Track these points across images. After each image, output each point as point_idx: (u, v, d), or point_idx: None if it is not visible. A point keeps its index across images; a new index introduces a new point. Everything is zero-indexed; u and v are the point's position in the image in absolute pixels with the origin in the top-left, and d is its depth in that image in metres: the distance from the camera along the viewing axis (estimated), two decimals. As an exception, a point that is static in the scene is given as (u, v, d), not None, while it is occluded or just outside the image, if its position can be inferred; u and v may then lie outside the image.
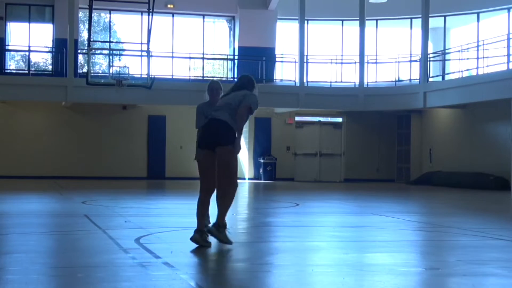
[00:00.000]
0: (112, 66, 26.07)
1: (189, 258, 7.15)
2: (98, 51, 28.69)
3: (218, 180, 7.70)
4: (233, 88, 8.27)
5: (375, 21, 29.71)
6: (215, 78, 29.62)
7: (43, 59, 30.08)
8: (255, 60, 28.02)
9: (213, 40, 30.10)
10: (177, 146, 27.63)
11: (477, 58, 24.70)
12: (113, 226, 9.75)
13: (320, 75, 29.20)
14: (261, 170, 27.94)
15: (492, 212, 14.37)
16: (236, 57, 28.93)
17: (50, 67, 28.19)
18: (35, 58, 29.96)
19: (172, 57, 28.16)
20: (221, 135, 7.82)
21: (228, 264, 6.87)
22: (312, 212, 13.80)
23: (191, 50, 28.63)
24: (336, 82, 28.55)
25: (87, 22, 24.69)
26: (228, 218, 11.56)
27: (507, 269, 6.61)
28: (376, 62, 28.81)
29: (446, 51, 27.48)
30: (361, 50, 27.35)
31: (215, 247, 8.29)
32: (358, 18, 27.30)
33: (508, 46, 23.79)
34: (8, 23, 27.59)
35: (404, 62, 28.72)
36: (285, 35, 30.49)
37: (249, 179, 28.21)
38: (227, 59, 29.20)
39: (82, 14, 28.65)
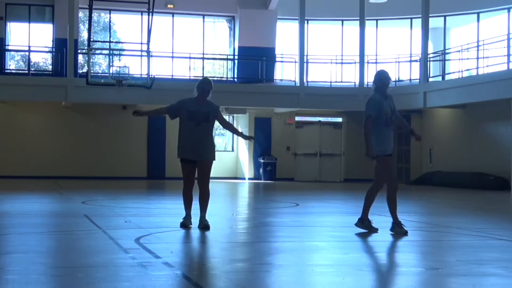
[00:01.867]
0: (112, 66, 26.09)
1: (189, 258, 7.15)
2: (98, 51, 28.70)
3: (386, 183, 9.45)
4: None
5: (375, 21, 29.72)
6: (214, 78, 29.65)
7: (43, 59, 30.09)
8: (255, 60, 28.04)
9: (213, 40, 30.10)
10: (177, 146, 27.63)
11: (477, 58, 24.70)
12: (113, 226, 9.75)
13: (320, 75, 29.21)
14: (261, 170, 27.94)
15: (492, 212, 14.37)
16: (236, 57, 28.94)
17: (50, 67, 28.19)
18: (35, 58, 29.97)
19: (172, 57, 28.16)
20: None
21: (228, 264, 6.87)
22: (312, 212, 13.80)
23: (191, 50, 28.63)
24: (336, 82, 28.55)
25: (87, 22, 24.71)
26: (228, 218, 11.58)
27: (507, 269, 6.61)
28: (376, 62, 28.79)
29: (446, 51, 27.47)
30: (361, 50, 27.35)
31: (214, 247, 8.29)
32: (358, 18, 27.29)
33: (508, 46, 23.78)
34: (8, 23, 27.59)
35: (404, 62, 28.72)
36: (285, 35, 30.49)
37: (249, 179, 28.21)
38: (227, 59, 29.21)
39: (82, 14, 28.65)
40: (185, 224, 9.44)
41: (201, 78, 10.04)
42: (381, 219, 11.95)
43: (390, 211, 9.27)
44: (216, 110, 9.58)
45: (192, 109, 9.55)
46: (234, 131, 10.14)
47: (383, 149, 9.26)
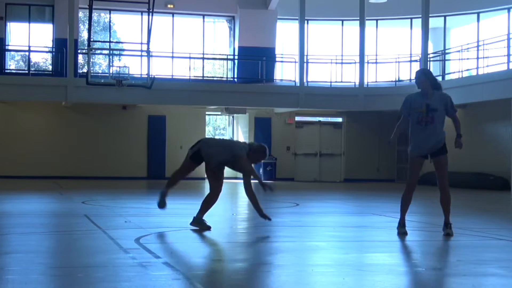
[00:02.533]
0: (112, 66, 26.09)
1: (189, 258, 7.14)
2: (98, 51, 28.70)
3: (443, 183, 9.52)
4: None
5: (375, 21, 29.72)
6: (214, 78, 29.63)
7: (43, 59, 30.10)
8: (255, 60, 28.03)
9: (213, 40, 30.10)
10: (177, 146, 27.64)
11: (477, 58, 24.71)
12: (113, 226, 9.75)
13: (320, 75, 29.22)
14: (261, 170, 27.95)
15: (492, 212, 14.37)
16: (236, 57, 28.94)
17: (50, 67, 28.20)
18: (35, 58, 29.97)
19: (172, 57, 28.16)
20: None
21: (228, 264, 6.87)
22: (312, 212, 13.79)
23: (191, 50, 28.63)
24: (336, 82, 28.56)
25: (87, 22, 24.70)
26: (228, 218, 11.58)
27: (507, 269, 6.61)
28: (376, 62, 28.81)
29: (446, 51, 27.48)
30: (361, 50, 27.35)
31: (214, 247, 8.29)
32: (358, 18, 27.30)
33: (508, 46, 23.80)
34: (8, 23, 27.59)
35: (404, 62, 28.71)
36: (285, 35, 30.49)
37: (249, 179, 28.19)
38: (227, 59, 29.20)
39: (82, 14, 28.66)
40: (160, 202, 9.62)
41: (266, 149, 9.67)
42: (381, 219, 11.96)
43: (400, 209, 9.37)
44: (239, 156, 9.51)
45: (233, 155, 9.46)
46: (256, 178, 9.88)
47: (410, 149, 9.45)
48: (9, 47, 27.94)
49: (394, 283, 5.84)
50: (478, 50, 24.76)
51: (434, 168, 9.54)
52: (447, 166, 9.58)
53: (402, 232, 9.15)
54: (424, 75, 9.48)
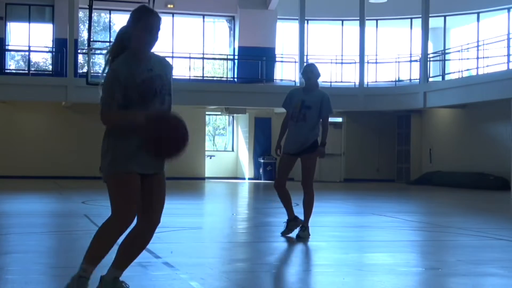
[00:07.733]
0: (112, 66, 26.05)
1: (189, 258, 7.14)
2: (98, 51, 28.69)
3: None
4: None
5: (375, 21, 29.71)
6: (214, 78, 29.67)
7: (43, 59, 30.09)
8: (255, 60, 28.03)
9: (213, 40, 30.11)
10: (177, 146, 27.61)
11: (477, 58, 24.71)
12: (113, 226, 9.73)
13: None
14: (261, 170, 27.95)
15: (492, 212, 14.37)
16: (236, 57, 28.94)
17: (50, 67, 28.19)
18: (35, 58, 29.96)
19: (172, 57, 28.14)
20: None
21: (228, 264, 6.87)
22: (312, 212, 13.77)
23: (191, 50, 28.63)
24: (336, 82, 28.55)
25: (87, 22, 24.70)
26: (228, 218, 11.58)
27: (507, 269, 6.61)
28: (376, 62, 28.80)
29: (446, 51, 27.48)
30: (361, 50, 27.35)
31: (214, 247, 8.29)
32: (358, 18, 27.29)
33: (508, 46, 23.80)
34: (8, 23, 27.59)
35: (404, 62, 28.71)
36: (285, 35, 30.49)
37: (249, 179, 28.21)
38: (227, 59, 29.20)
39: (82, 14, 28.65)
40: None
41: None
42: (381, 219, 11.97)
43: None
44: None
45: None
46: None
47: (283, 146, 9.15)
48: (9, 47, 27.94)
49: (394, 283, 5.84)
50: (478, 50, 24.76)
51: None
52: (314, 167, 9.11)
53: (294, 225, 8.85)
54: (314, 71, 9.28)
